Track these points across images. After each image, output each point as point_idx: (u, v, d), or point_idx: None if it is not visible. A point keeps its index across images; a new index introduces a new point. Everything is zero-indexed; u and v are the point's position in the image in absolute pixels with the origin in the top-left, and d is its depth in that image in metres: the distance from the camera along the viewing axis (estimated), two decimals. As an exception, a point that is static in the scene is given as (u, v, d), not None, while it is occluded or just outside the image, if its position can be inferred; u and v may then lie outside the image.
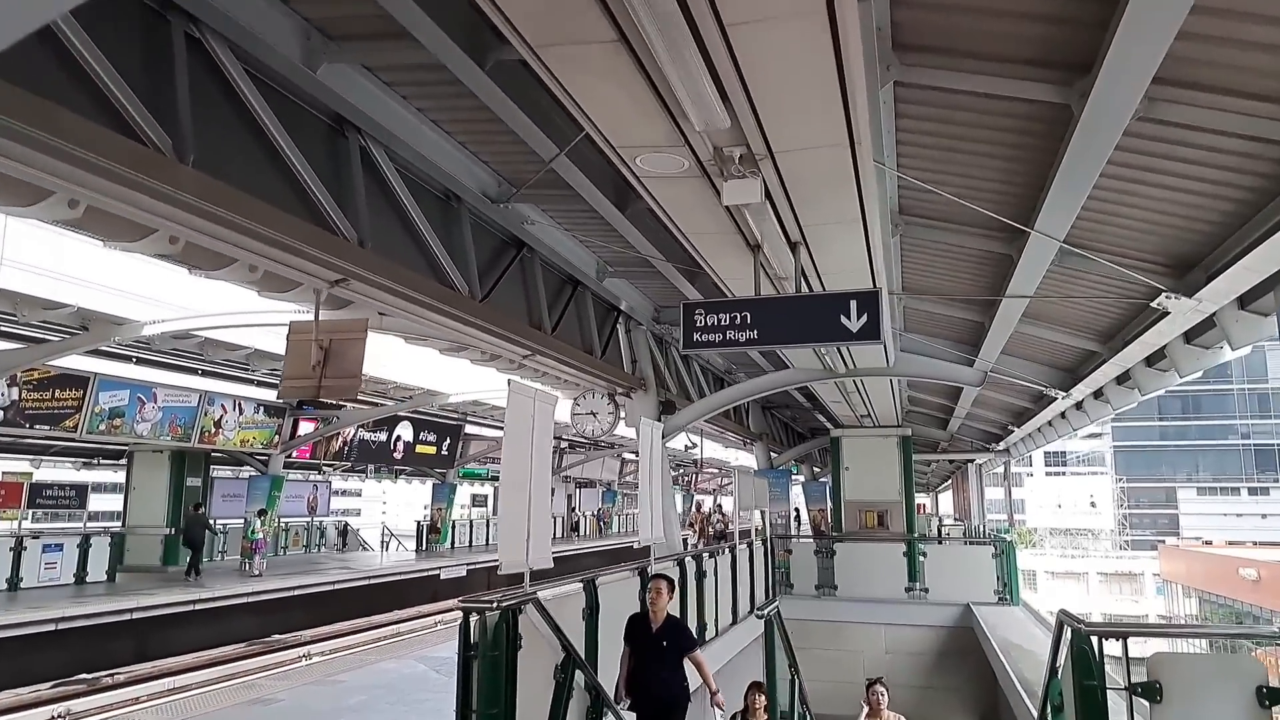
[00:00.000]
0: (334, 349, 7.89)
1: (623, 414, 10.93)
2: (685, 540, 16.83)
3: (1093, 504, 69.97)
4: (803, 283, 5.71)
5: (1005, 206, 5.01)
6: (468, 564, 25.94)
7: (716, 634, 10.51)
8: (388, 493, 49.68)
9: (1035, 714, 7.59)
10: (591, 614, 6.27)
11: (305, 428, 22.43)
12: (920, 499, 44.02)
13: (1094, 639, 3.98)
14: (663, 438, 10.72)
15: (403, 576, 22.81)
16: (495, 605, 4.63)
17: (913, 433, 17.68)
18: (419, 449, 26.53)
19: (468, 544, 32.67)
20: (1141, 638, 4.87)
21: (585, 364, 9.09)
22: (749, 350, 5.73)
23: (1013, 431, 14.80)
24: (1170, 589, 51.53)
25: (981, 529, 22.14)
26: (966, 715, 14.05)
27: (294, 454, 22.85)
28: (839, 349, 8.99)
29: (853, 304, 5.06)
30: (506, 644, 4.74)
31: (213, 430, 19.30)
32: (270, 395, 20.53)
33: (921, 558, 14.84)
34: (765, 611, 6.14)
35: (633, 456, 47.47)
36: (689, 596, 9.14)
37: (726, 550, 11.90)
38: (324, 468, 24.66)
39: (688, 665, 5.83)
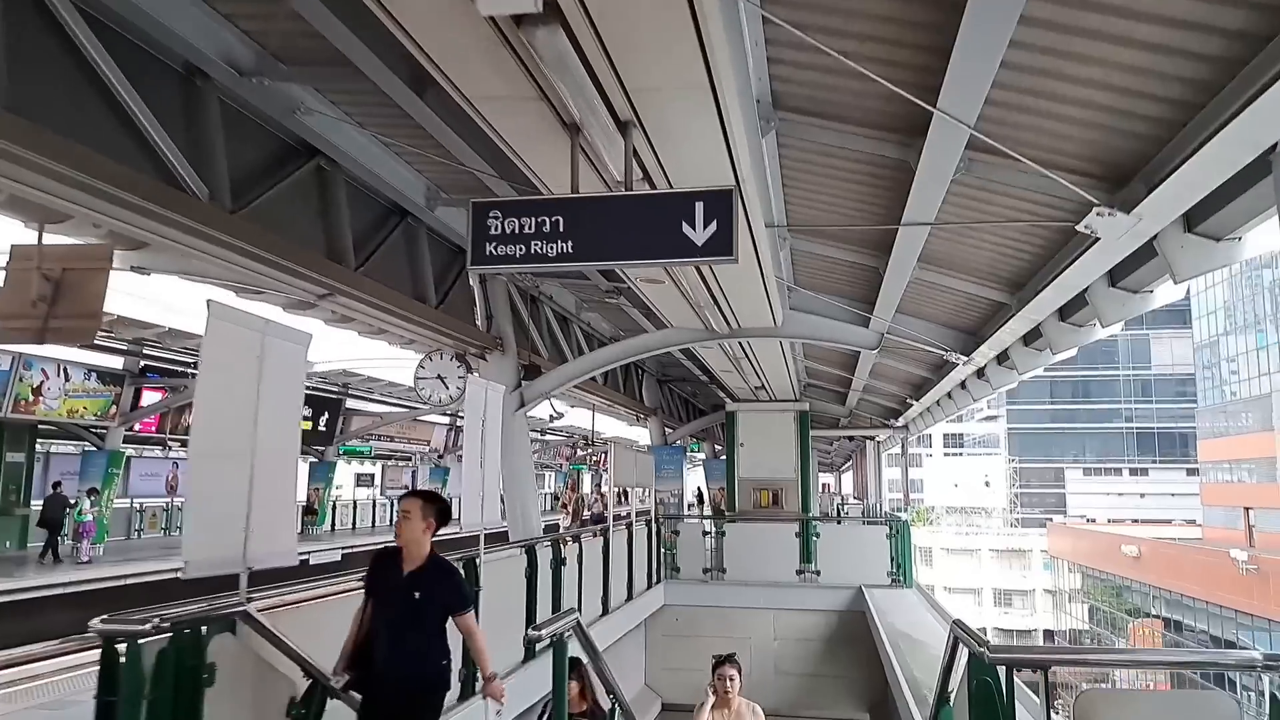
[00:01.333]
0: (66, 282, 6.18)
1: (473, 377, 9.42)
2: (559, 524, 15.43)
3: (987, 483, 72.28)
4: (646, 188, 4.35)
5: (903, 83, 3.75)
6: (344, 547, 23.99)
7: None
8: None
9: (924, 721, 6.60)
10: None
11: (150, 397, 20.02)
12: (825, 478, 44.12)
13: (1000, 670, 2.76)
14: (521, 405, 9.29)
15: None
16: (157, 626, 3.13)
17: (811, 408, 16.78)
18: (290, 423, 24.30)
19: (350, 526, 30.62)
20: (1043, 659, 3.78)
21: (415, 314, 7.55)
22: (563, 269, 4.31)
23: (911, 405, 13.97)
24: (1057, 565, 53.49)
25: (879, 508, 21.60)
26: (856, 705, 13.24)
27: (137, 427, 20.40)
28: (718, 303, 7.73)
29: (699, 206, 3.71)
30: (181, 681, 3.25)
31: (30, 398, 16.82)
32: (108, 360, 18.15)
33: (815, 538, 13.92)
34: (544, 632, 4.00)
35: (537, 435, 46.11)
36: (538, 586, 7.79)
37: (598, 534, 10.62)
38: (171, 443, 22.19)
39: (452, 632, 3.93)
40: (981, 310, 7.67)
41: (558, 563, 8.56)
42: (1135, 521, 59.92)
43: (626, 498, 13.07)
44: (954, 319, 8.43)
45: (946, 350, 8.51)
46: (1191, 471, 66.93)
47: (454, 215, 8.63)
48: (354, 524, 30.73)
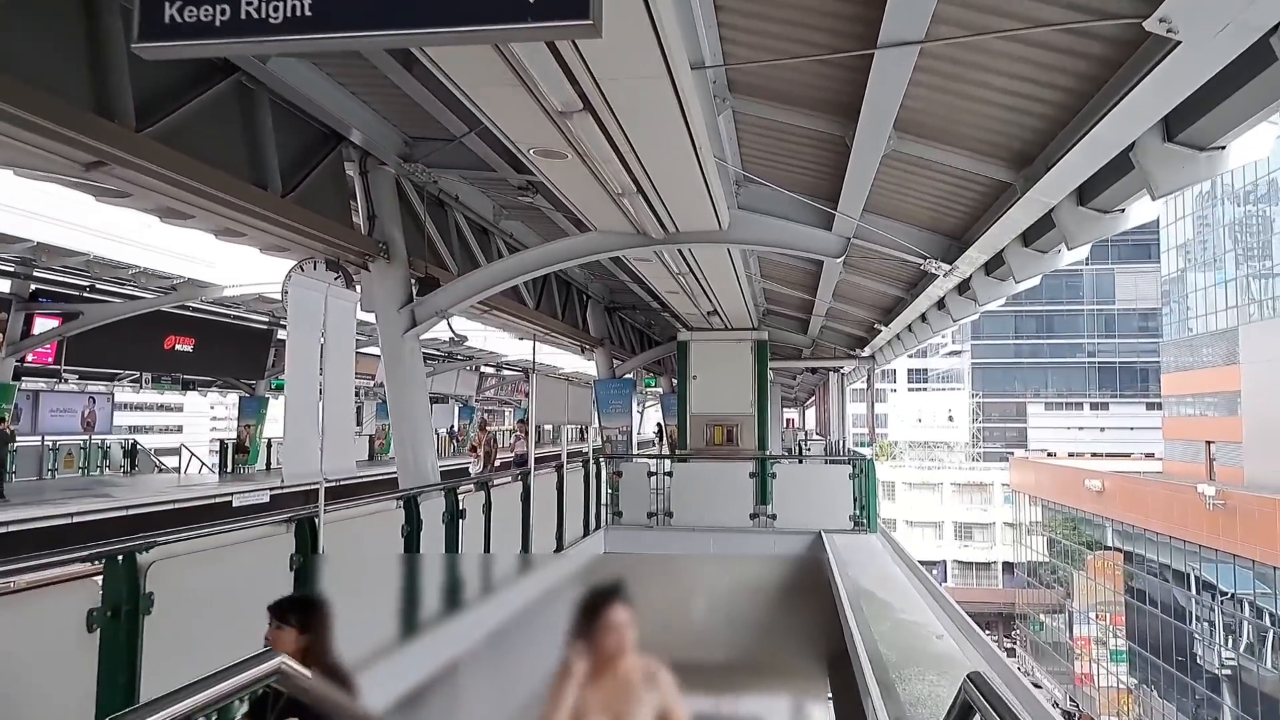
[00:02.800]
0: None
1: (358, 294, 7.72)
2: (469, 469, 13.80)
3: (950, 418, 72.31)
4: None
5: None
6: (272, 488, 22.34)
7: (486, 589, 7.80)
8: (215, 408, 44.69)
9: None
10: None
11: (43, 325, 17.95)
12: (789, 414, 43.22)
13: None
14: (412, 325, 7.64)
15: (172, 505, 18.96)
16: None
17: (770, 337, 15.34)
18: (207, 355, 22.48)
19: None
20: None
21: (250, 203, 5.81)
22: (298, 47, 2.57)
23: (879, 332, 12.52)
24: (1018, 498, 53.63)
25: (843, 445, 20.42)
26: (812, 660, 12.12)
27: (30, 357, 18.37)
28: (645, 194, 6.07)
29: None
30: None
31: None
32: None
33: (771, 479, 12.60)
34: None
35: (491, 370, 44.44)
36: (422, 547, 6.30)
37: (514, 478, 9.14)
38: (66, 375, 20.22)
39: None
40: (972, 199, 6.11)
41: (454, 516, 7.06)
42: (1094, 455, 60.35)
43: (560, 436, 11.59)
44: (936, 218, 6.87)
45: (926, 258, 6.97)
46: (1151, 406, 67.50)
47: (329, 94, 6.82)
48: (293, 463, 29.04)
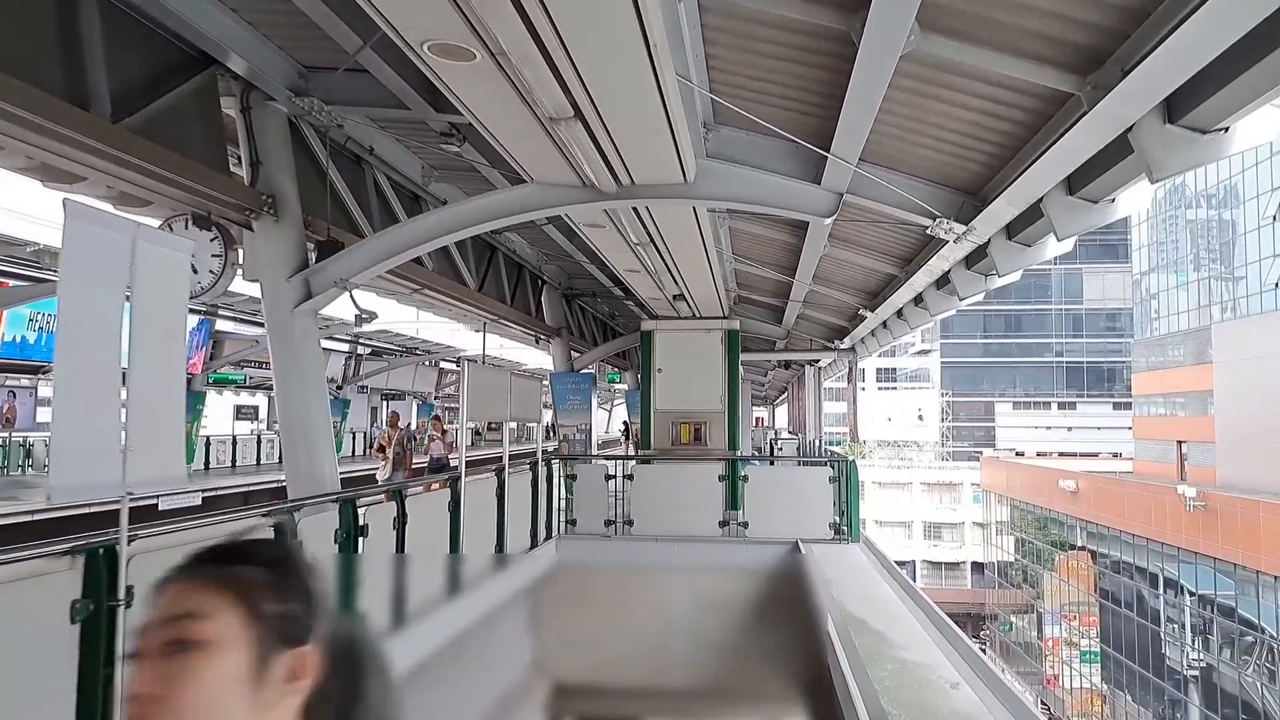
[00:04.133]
0: None
1: (238, 258, 6.25)
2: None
3: (920, 417, 71.90)
4: None
5: None
6: (205, 489, 20.58)
7: (400, 620, 6.40)
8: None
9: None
10: None
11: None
12: (759, 412, 42.06)
13: None
14: (307, 298, 6.20)
15: (79, 511, 17.11)
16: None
17: (742, 327, 14.07)
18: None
19: (229, 464, 27.11)
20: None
21: (62, 124, 4.34)
22: None
23: (862, 320, 11.26)
24: (987, 498, 53.07)
25: (818, 445, 19.21)
26: (790, 684, 10.87)
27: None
28: (588, 125, 4.70)
29: None
30: None
31: None
32: None
33: (743, 482, 11.31)
34: None
35: (452, 365, 42.92)
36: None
37: (436, 486, 7.74)
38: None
39: None
40: (1005, 135, 4.81)
41: (351, 535, 5.64)
42: (1062, 454, 60.08)
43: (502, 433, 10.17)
44: (951, 166, 5.58)
45: (935, 217, 5.68)
46: (1118, 405, 67.65)
47: (202, 9, 5.37)
48: (234, 462, 27.21)
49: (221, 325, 24.70)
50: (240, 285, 6.83)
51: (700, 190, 6.01)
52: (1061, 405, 74.51)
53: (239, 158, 6.37)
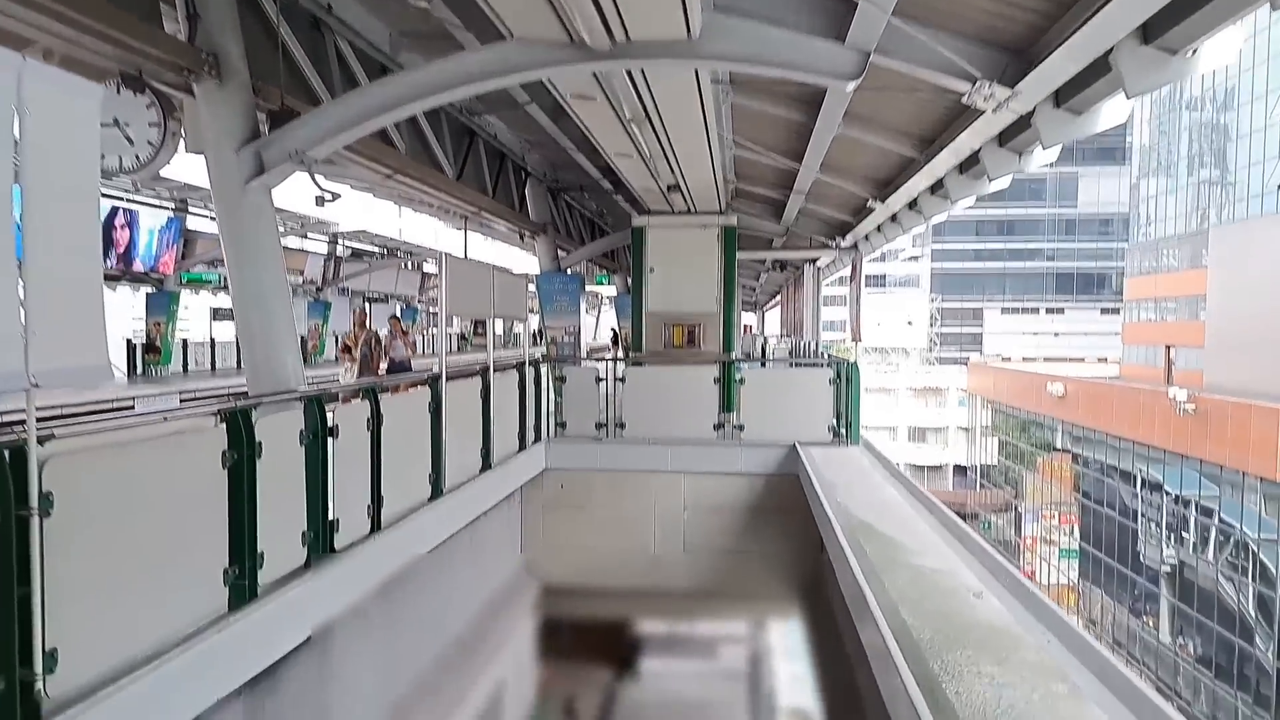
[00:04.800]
0: None
1: (180, 128, 5.47)
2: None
3: (909, 323, 71.77)
4: None
5: None
6: (183, 391, 20.04)
7: (378, 525, 5.95)
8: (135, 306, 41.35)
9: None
10: None
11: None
12: (746, 319, 41.57)
13: None
14: (260, 173, 5.47)
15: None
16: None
17: (739, 223, 13.34)
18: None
19: (208, 367, 26.50)
20: None
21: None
22: None
23: (870, 213, 10.56)
24: (972, 402, 53.44)
25: (815, 347, 18.75)
26: (784, 587, 10.72)
27: None
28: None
29: None
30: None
31: None
32: None
33: (739, 384, 10.85)
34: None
35: (434, 269, 41.99)
36: (261, 485, 4.37)
37: (410, 386, 7.20)
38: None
39: None
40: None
41: (319, 436, 5.11)
42: (1048, 360, 60.30)
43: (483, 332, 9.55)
44: (996, 18, 4.83)
45: (974, 80, 4.96)
46: (1106, 310, 67.61)
47: None
48: (213, 365, 26.60)
49: (193, 224, 23.71)
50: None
51: (705, 48, 5.24)
52: (1050, 311, 74.42)
53: (174, 15, 5.50)
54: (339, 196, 5.82)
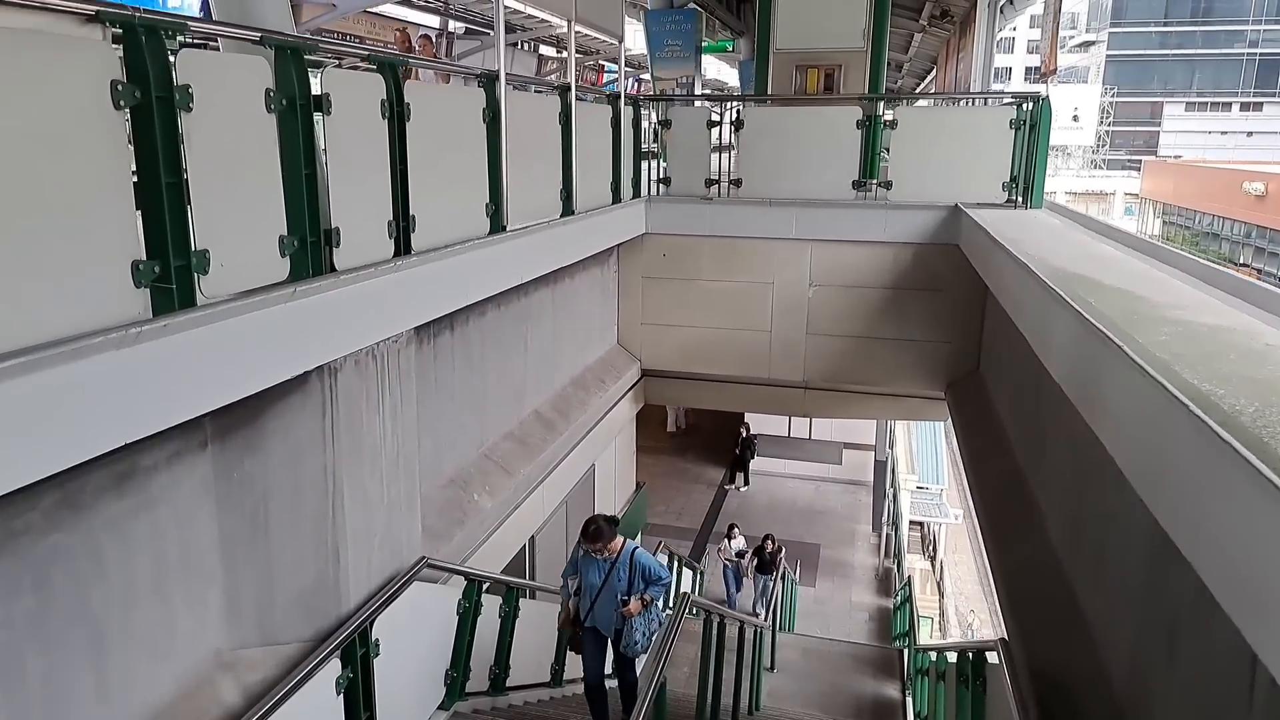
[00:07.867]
0: None
1: None
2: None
3: (1075, 118, 63.48)
4: None
5: None
6: None
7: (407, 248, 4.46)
8: None
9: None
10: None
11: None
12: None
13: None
14: None
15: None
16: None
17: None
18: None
19: None
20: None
21: None
22: None
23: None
24: (1143, 208, 47.37)
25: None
26: (927, 379, 8.94)
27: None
28: None
29: None
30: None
31: None
32: None
33: (888, 131, 8.57)
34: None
35: (551, 52, 39.16)
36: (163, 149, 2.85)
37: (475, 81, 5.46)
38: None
39: None
40: None
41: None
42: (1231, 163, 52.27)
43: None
44: None
45: None
46: (1318, 106, 57.26)
47: None
48: None
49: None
50: None
51: None
52: (1244, 107, 63.83)
53: None
54: None
